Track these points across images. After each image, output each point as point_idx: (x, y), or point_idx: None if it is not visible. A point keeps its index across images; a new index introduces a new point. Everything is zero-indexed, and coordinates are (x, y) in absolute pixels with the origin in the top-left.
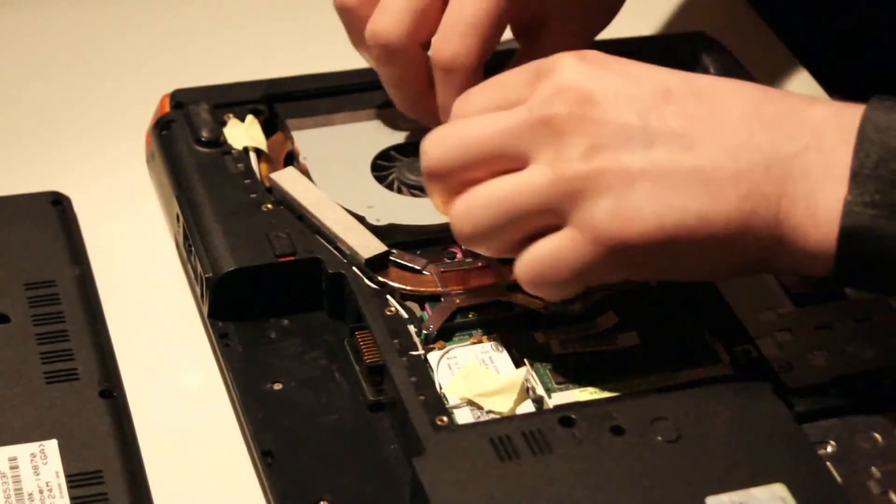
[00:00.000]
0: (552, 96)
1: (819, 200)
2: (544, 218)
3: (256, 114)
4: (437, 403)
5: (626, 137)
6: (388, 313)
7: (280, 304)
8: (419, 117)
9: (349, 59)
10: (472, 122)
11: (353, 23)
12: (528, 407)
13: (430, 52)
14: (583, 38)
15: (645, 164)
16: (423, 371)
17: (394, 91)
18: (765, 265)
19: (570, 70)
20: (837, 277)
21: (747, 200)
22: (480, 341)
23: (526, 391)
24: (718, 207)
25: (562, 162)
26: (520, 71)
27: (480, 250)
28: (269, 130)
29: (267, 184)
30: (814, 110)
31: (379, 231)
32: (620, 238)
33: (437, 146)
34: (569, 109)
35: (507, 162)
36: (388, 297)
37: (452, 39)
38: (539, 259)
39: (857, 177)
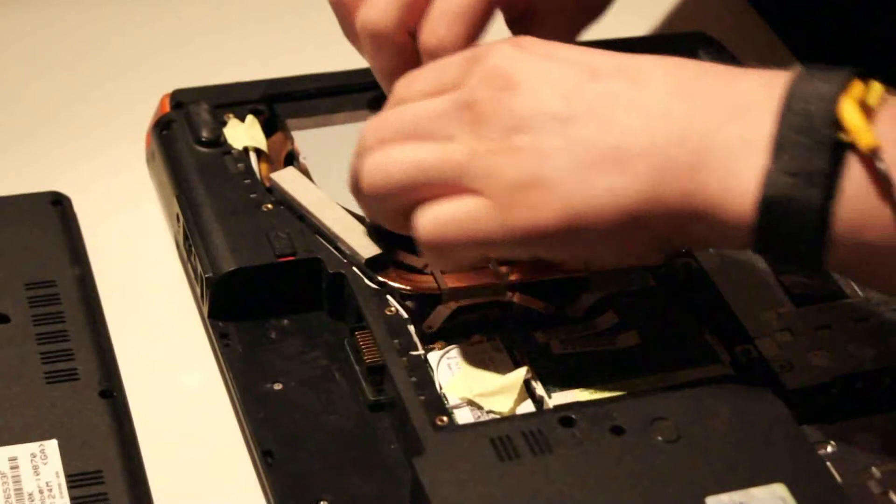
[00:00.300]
0: (479, 81)
1: (739, 170)
2: (457, 187)
3: (256, 114)
4: (437, 403)
5: (545, 120)
6: (388, 313)
7: (280, 304)
8: None
9: (349, 59)
10: (407, 107)
11: (345, 16)
12: (528, 407)
13: (418, 40)
14: (572, 29)
15: (560, 143)
16: (423, 371)
17: (385, 82)
18: (680, 240)
19: (499, 55)
20: (759, 250)
21: (658, 173)
22: (480, 341)
23: (526, 391)
24: (627, 182)
25: (480, 141)
26: (458, 56)
27: (377, 208)
28: (269, 130)
29: (267, 184)
30: (743, 83)
31: (379, 231)
32: (530, 214)
33: (374, 129)
34: (491, 94)
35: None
36: (388, 297)
37: (440, 26)
38: (447, 216)
39: (779, 146)
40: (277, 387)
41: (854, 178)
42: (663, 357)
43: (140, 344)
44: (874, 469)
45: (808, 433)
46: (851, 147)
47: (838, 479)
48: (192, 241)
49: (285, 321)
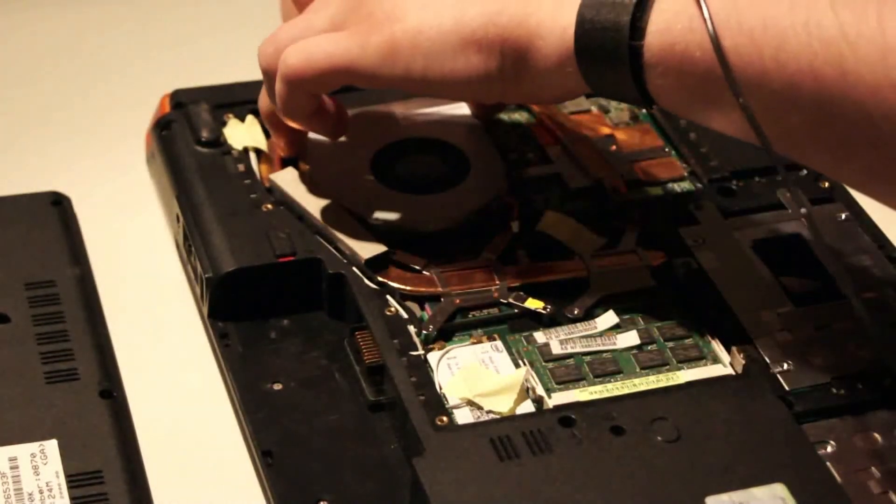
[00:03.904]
0: None
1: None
2: (332, 29)
3: (256, 114)
4: (437, 403)
5: None
6: (388, 313)
7: (280, 304)
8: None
9: None
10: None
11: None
12: (528, 407)
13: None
14: None
15: None
16: (423, 371)
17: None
18: (513, 75)
19: None
20: (588, 83)
21: (498, 1)
22: (480, 341)
23: (526, 391)
24: (472, 8)
25: None
26: None
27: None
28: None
29: (267, 184)
30: None
31: (379, 231)
32: (385, 36)
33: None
34: None
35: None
36: (388, 297)
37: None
38: (315, 46)
39: None
40: (277, 387)
41: None
42: (663, 357)
43: (140, 344)
44: (874, 469)
45: (808, 433)
46: None
47: (838, 479)
48: (192, 242)
49: (285, 321)
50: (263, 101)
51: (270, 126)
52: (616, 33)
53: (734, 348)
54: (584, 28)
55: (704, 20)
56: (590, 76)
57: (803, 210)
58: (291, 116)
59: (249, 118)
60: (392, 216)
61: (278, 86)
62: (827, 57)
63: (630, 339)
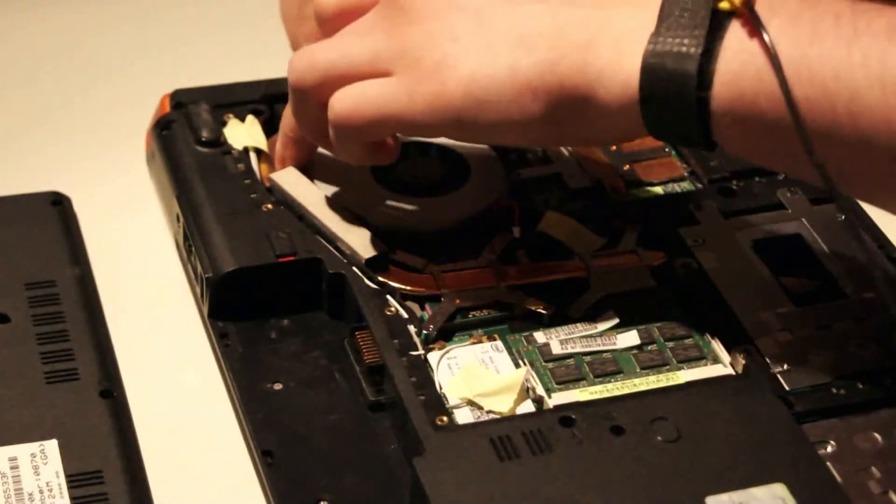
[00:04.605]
0: None
1: (628, 47)
2: (374, 72)
3: (256, 114)
4: (437, 403)
5: (459, 10)
6: (388, 313)
7: (280, 304)
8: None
9: None
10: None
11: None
12: (528, 407)
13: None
14: None
15: (471, 28)
16: (423, 371)
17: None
18: (572, 120)
19: None
20: (650, 129)
21: (555, 48)
22: (480, 341)
23: (526, 391)
24: (526, 56)
25: (396, 27)
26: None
27: (301, 103)
28: (269, 130)
29: (267, 184)
30: None
31: (379, 231)
32: (435, 87)
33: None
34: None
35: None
36: (388, 297)
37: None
38: (361, 93)
39: (662, 19)
40: (277, 387)
41: (731, 44)
42: (663, 357)
43: (140, 344)
44: (874, 469)
45: (808, 433)
46: (731, 14)
47: (838, 479)
48: (192, 242)
49: (285, 321)
50: (287, 118)
51: (288, 143)
52: (683, 83)
53: (734, 348)
54: (649, 78)
55: (775, 71)
56: (653, 124)
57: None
58: (347, 160)
59: (249, 118)
60: (407, 206)
61: (331, 131)
62: None
63: (630, 339)
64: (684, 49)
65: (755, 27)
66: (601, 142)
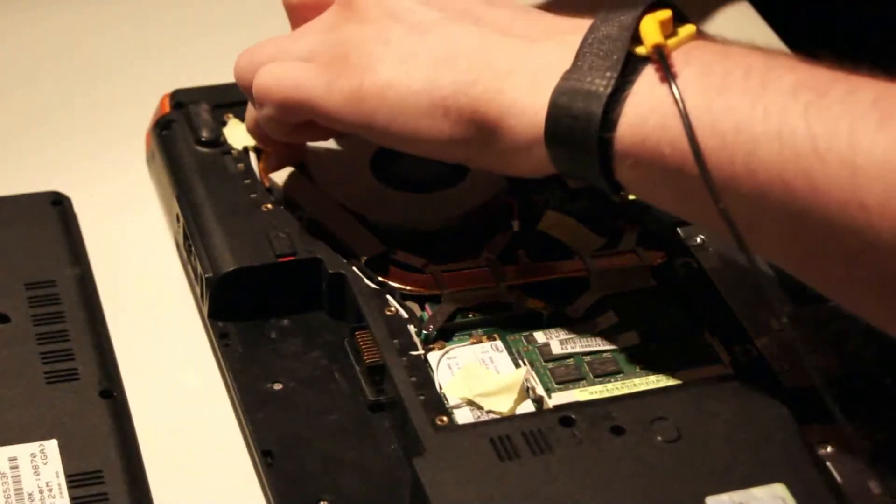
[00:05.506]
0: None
1: (543, 82)
2: (308, 60)
3: None
4: (437, 403)
5: (402, 25)
6: (388, 313)
7: (280, 304)
8: None
9: None
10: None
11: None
12: (528, 407)
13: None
14: None
15: (403, 39)
16: (423, 371)
17: None
18: (480, 145)
19: None
20: (556, 166)
21: (474, 72)
22: (480, 341)
23: (526, 391)
24: (446, 74)
25: (339, 25)
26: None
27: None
28: None
29: (267, 184)
30: (578, 18)
31: (379, 231)
32: (353, 82)
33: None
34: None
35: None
36: (388, 297)
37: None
38: (286, 72)
39: (577, 59)
40: (277, 387)
41: (641, 88)
42: (663, 357)
43: (140, 344)
44: (874, 469)
45: (808, 433)
46: (646, 59)
47: (838, 479)
48: (192, 242)
49: (285, 321)
50: (249, 113)
51: (257, 139)
52: (587, 123)
53: (734, 348)
54: (556, 114)
55: (681, 118)
56: (558, 161)
57: None
58: (271, 135)
59: None
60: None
61: (256, 105)
62: (797, 169)
63: (630, 339)
64: (594, 88)
65: (665, 74)
66: (513, 175)
